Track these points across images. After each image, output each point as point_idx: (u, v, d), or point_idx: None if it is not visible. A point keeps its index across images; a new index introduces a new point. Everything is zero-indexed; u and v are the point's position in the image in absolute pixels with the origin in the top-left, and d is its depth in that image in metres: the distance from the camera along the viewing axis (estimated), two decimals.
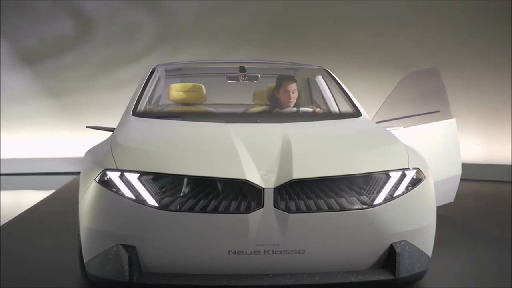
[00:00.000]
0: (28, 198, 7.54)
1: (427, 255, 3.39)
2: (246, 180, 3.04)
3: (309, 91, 5.56)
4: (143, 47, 9.99)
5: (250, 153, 3.22)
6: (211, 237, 3.06)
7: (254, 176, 3.06)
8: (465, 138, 9.72)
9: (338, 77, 4.94)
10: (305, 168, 3.13)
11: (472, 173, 8.82)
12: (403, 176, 3.27)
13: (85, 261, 3.27)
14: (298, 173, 3.09)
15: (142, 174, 3.13)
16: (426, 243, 3.39)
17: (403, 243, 3.24)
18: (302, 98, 5.26)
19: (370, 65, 9.86)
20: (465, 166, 9.18)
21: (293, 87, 4.71)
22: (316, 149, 3.36)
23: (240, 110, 5.57)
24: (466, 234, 5.25)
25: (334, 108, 5.00)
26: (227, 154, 3.22)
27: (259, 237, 3.05)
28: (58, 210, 6.14)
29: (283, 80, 4.79)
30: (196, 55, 9.53)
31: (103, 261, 3.15)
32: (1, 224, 5.53)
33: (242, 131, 3.60)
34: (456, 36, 9.70)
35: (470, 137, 9.66)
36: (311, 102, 5.46)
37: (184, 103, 5.03)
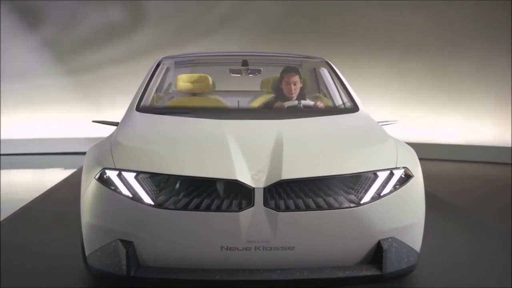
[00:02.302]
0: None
1: (415, 251, 3.48)
2: (237, 180, 3.16)
3: (316, 80, 5.63)
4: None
5: (243, 153, 3.34)
6: (204, 234, 3.20)
7: (245, 176, 3.19)
8: (475, 121, 9.82)
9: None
10: (294, 169, 3.24)
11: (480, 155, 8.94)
12: (391, 175, 3.36)
13: (86, 254, 3.45)
14: (287, 174, 3.20)
15: (139, 173, 3.27)
16: (415, 239, 3.48)
17: (390, 239, 3.34)
18: (309, 87, 5.34)
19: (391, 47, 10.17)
20: (471, 148, 9.26)
21: (294, 79, 4.79)
22: (307, 149, 3.45)
23: (246, 99, 5.68)
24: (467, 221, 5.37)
25: (337, 100, 5.06)
26: (221, 155, 3.34)
27: (250, 234, 3.18)
28: (73, 195, 6.32)
29: (285, 72, 4.88)
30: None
31: (103, 255, 3.32)
32: (17, 209, 5.74)
33: (238, 130, 3.71)
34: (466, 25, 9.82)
35: (480, 120, 9.72)
36: (318, 91, 5.54)
37: (192, 93, 5.16)
